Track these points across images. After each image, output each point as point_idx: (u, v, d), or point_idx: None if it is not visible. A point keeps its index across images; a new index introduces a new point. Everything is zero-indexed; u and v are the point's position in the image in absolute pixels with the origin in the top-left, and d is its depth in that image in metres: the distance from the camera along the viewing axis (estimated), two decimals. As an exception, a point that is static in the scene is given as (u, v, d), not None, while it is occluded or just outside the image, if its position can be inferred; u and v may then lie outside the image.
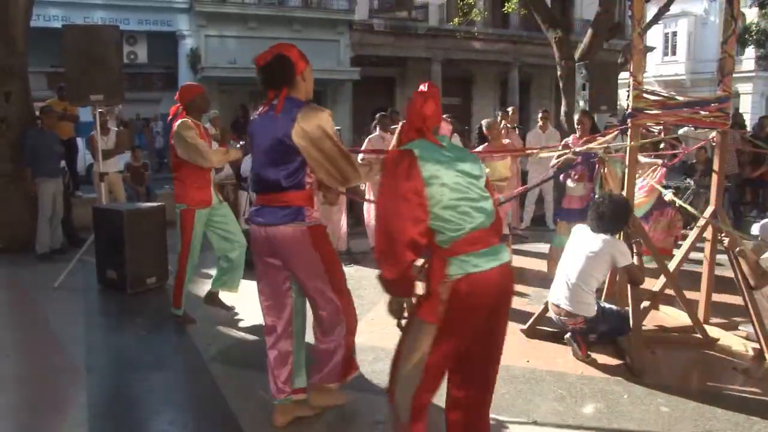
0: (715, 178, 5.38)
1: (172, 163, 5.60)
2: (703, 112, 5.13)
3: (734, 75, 5.36)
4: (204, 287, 6.88)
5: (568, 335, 4.90)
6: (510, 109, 10.50)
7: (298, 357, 3.83)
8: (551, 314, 5.03)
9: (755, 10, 22.17)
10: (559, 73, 13.61)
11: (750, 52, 28.49)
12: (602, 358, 4.81)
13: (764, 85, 33.71)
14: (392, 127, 8.74)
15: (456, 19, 18.17)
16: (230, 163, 10.55)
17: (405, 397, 2.75)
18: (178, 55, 20.47)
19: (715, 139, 5.44)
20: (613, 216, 4.72)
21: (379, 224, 2.69)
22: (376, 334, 5.31)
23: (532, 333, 5.30)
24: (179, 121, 5.39)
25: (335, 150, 3.43)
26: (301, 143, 3.38)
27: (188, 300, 6.46)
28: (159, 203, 7.67)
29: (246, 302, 6.29)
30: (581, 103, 8.07)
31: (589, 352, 4.81)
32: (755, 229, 5.41)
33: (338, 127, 8.74)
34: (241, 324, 5.72)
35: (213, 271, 7.49)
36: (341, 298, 3.68)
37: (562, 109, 13.37)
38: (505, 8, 17.77)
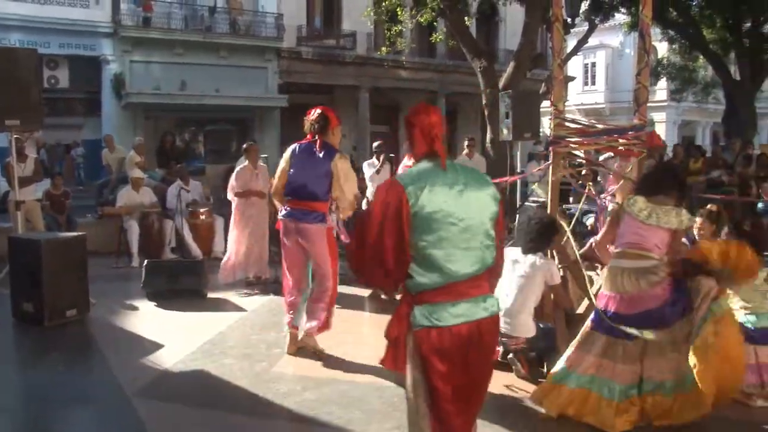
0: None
1: None
2: (621, 140, 5.34)
3: (649, 104, 5.60)
4: (126, 318, 6.69)
5: (510, 355, 4.98)
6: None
7: (301, 306, 5.49)
8: None
9: (666, 44, 23.32)
10: (484, 101, 13.94)
11: (663, 82, 29.90)
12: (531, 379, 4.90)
13: (676, 114, 35.40)
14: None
15: (383, 48, 18.42)
16: (155, 192, 10.35)
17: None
18: (102, 80, 19.97)
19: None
20: (541, 234, 4.85)
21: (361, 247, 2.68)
22: (305, 365, 5.25)
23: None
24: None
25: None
26: (336, 173, 5.21)
27: (109, 331, 6.28)
28: (80, 233, 7.41)
29: (171, 333, 6.13)
30: (505, 131, 8.25)
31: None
32: None
33: (265, 155, 8.75)
34: (167, 356, 5.52)
35: (137, 303, 7.32)
36: (333, 276, 5.42)
37: (488, 136, 13.69)
38: (433, 39, 18.12)
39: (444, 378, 2.64)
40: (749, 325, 4.63)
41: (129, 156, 11.98)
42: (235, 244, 8.35)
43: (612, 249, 4.30)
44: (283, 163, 5.51)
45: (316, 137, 5.26)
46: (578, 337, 4.31)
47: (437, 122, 2.77)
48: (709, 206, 5.40)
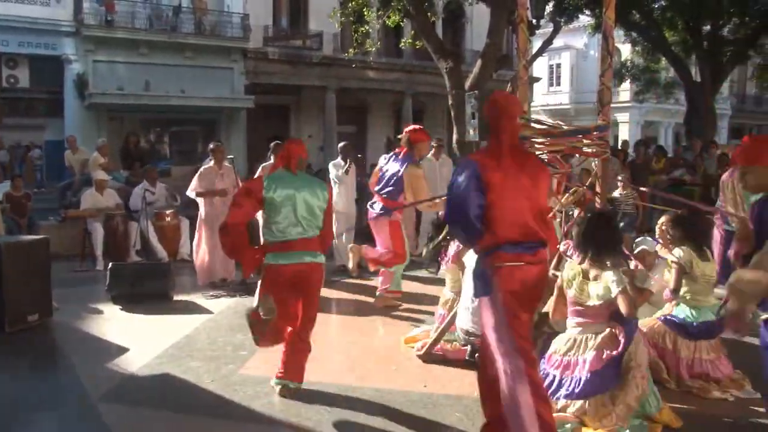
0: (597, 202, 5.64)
1: None
2: (585, 141, 5.39)
3: (613, 105, 5.67)
4: (90, 322, 6.61)
5: (478, 354, 4.99)
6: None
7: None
8: (459, 337, 5.14)
9: (629, 46, 23.68)
10: (450, 102, 14.00)
11: (626, 84, 30.35)
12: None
13: (639, 114, 35.92)
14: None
15: (350, 49, 18.40)
16: (119, 194, 10.22)
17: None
18: (64, 80, 19.63)
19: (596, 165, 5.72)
20: None
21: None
22: (271, 365, 5.22)
23: (428, 358, 5.37)
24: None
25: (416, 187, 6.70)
26: (405, 178, 6.63)
27: (72, 335, 6.18)
28: (42, 236, 7.29)
29: (136, 337, 6.06)
30: (471, 131, 8.31)
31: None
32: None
33: (231, 156, 8.70)
34: (133, 360, 5.46)
35: (102, 306, 7.22)
36: (395, 257, 6.92)
37: (454, 137, 13.75)
38: (402, 43, 18.15)
39: (281, 298, 4.43)
40: (690, 320, 4.78)
41: (92, 157, 11.81)
42: (198, 245, 8.35)
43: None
44: (378, 166, 7.25)
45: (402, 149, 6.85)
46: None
47: (297, 150, 4.62)
48: (672, 212, 5.51)
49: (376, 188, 7.03)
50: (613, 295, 3.95)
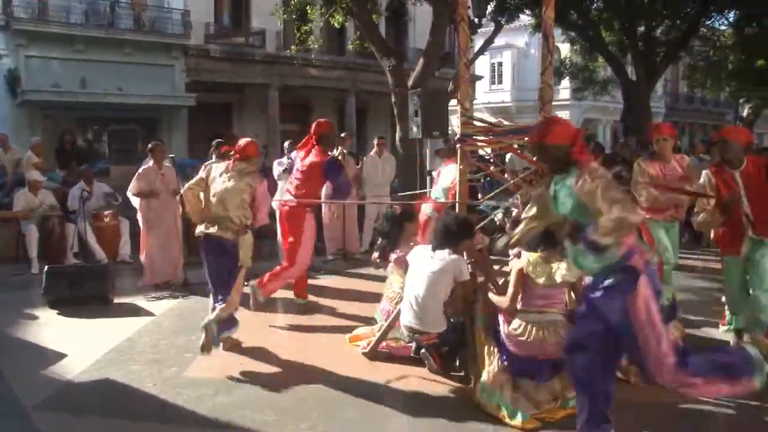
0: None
1: None
2: (527, 138, 5.48)
3: (553, 103, 5.78)
4: (25, 328, 6.40)
5: (423, 350, 5.03)
6: (344, 135, 10.66)
7: None
8: (404, 333, 5.16)
9: (568, 45, 24.21)
10: (393, 100, 14.04)
11: (566, 82, 31.00)
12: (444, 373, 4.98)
13: (579, 113, 36.72)
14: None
15: (293, 47, 18.27)
16: (55, 195, 9.93)
17: None
18: (-7, 77, 18.98)
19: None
20: (455, 232, 4.92)
21: None
22: (215, 367, 5.16)
23: (373, 355, 5.38)
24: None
25: None
26: None
27: (6, 342, 5.98)
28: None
29: (75, 342, 5.91)
30: (414, 129, 8.33)
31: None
32: None
33: (173, 155, 8.55)
34: (71, 366, 5.30)
35: (38, 311, 6.99)
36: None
37: (398, 134, 13.80)
38: (351, 44, 18.10)
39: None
40: None
41: (26, 157, 11.43)
42: (143, 246, 8.20)
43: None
44: None
45: None
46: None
47: None
48: None
49: None
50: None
